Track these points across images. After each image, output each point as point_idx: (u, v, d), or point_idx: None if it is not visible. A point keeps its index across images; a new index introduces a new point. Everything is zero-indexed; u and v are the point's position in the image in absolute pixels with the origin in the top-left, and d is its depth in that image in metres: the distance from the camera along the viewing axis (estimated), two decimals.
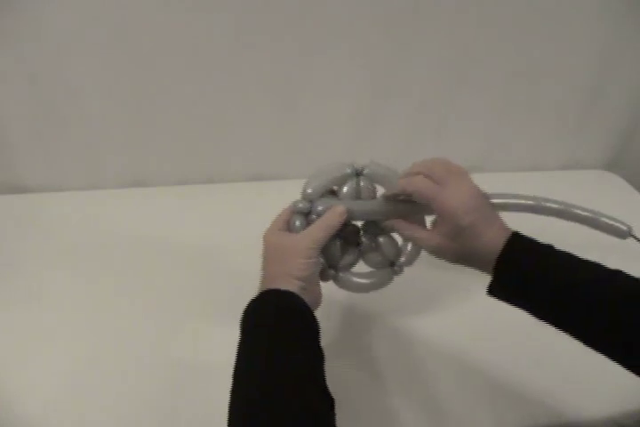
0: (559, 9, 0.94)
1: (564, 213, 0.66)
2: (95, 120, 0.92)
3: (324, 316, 0.57)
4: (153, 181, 1.01)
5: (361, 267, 0.65)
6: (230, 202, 0.98)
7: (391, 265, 0.64)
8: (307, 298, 0.54)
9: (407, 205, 0.59)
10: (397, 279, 0.65)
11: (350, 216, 0.59)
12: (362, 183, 0.61)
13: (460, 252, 0.54)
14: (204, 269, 0.83)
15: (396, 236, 0.64)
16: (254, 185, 1.04)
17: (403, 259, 0.64)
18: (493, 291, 0.54)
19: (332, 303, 0.68)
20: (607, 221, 0.69)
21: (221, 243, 0.88)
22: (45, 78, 0.85)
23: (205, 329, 0.73)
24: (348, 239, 0.63)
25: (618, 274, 0.50)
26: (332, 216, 0.57)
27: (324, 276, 0.62)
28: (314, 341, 0.51)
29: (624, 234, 0.70)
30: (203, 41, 0.86)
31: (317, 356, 0.50)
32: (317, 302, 0.57)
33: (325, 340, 0.53)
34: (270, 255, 0.58)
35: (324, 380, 0.47)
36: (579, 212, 0.68)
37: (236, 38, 0.87)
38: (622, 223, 0.70)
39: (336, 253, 0.61)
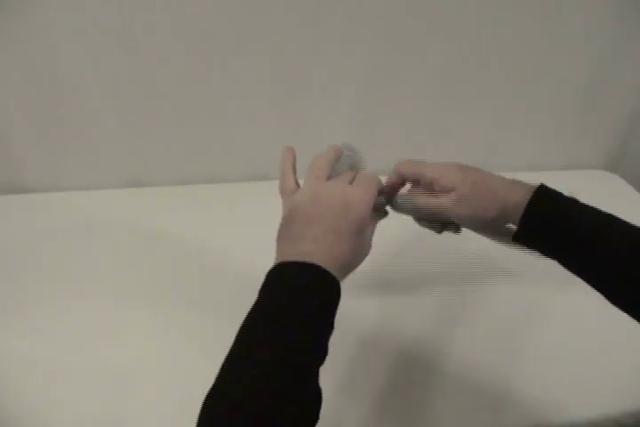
0: (559, 9, 0.94)
1: None
2: (95, 120, 0.92)
3: None
4: (153, 181, 1.01)
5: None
6: (230, 202, 0.99)
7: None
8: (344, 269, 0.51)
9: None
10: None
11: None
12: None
13: (483, 208, 0.53)
14: (204, 269, 0.83)
15: None
16: (255, 185, 1.04)
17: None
18: (519, 237, 0.53)
19: None
20: None
21: (221, 243, 0.88)
22: (45, 78, 0.85)
23: (206, 330, 0.73)
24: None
25: None
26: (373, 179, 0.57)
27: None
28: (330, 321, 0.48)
29: None
30: (203, 41, 0.86)
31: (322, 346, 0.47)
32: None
33: None
34: (348, 225, 0.51)
35: (316, 372, 0.45)
36: None
37: (237, 38, 0.87)
38: None
39: None
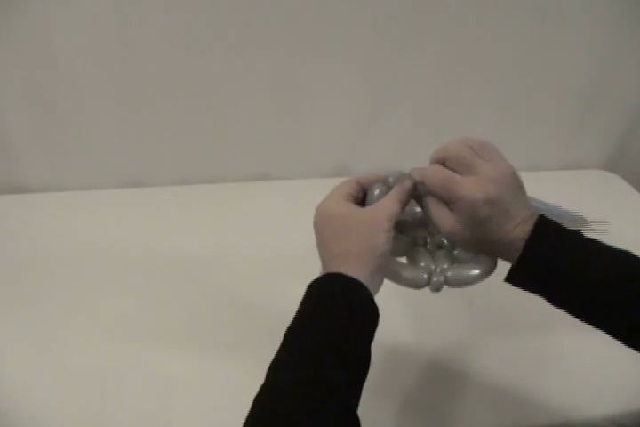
0: (559, 9, 0.94)
1: None
2: (95, 120, 0.92)
3: None
4: (153, 181, 1.01)
5: None
6: (230, 202, 0.99)
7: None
8: (373, 284, 0.50)
9: None
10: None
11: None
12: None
13: (474, 241, 0.50)
14: (205, 270, 0.83)
15: None
16: (255, 185, 1.05)
17: None
18: (513, 279, 0.50)
19: None
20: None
21: (222, 243, 0.88)
22: (45, 78, 0.85)
23: (204, 328, 0.73)
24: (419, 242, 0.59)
25: None
26: (400, 188, 0.54)
27: (434, 286, 0.56)
28: (367, 348, 0.47)
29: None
30: (203, 41, 0.86)
31: (363, 366, 0.46)
32: (378, 289, 0.52)
33: None
34: (337, 230, 0.51)
35: (357, 399, 0.44)
36: None
37: (238, 38, 0.87)
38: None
39: (429, 257, 0.58)
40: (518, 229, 0.49)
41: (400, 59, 0.95)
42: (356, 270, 0.49)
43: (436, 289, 0.56)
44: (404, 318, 0.77)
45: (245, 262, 0.84)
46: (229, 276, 0.82)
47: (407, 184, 0.54)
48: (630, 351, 0.62)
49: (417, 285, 0.55)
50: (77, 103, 0.89)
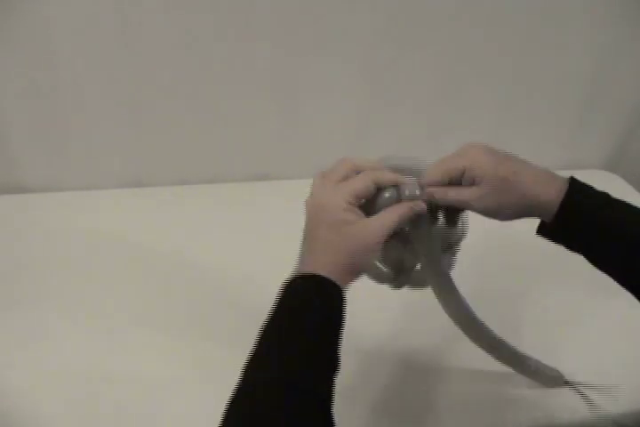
0: (559, 9, 0.94)
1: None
2: (95, 120, 0.92)
3: None
4: (153, 181, 1.01)
5: None
6: (230, 202, 0.99)
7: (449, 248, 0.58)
8: (347, 285, 0.49)
9: None
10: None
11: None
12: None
13: (508, 209, 0.51)
14: (204, 270, 0.83)
15: None
16: (254, 185, 1.05)
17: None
18: (547, 232, 0.51)
19: None
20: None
21: (221, 243, 0.88)
22: (45, 78, 0.85)
23: (204, 329, 0.73)
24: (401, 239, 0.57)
25: None
26: (409, 209, 0.51)
27: (398, 282, 0.56)
28: (338, 349, 0.47)
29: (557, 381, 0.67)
30: (203, 41, 0.86)
31: (336, 367, 0.46)
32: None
33: None
34: (330, 237, 0.49)
35: (331, 398, 0.44)
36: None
37: (237, 38, 0.87)
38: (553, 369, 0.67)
39: (405, 255, 0.56)
40: (550, 190, 0.51)
41: (400, 59, 0.95)
42: (336, 277, 0.48)
43: (397, 287, 0.55)
44: (395, 317, 0.77)
45: (245, 262, 0.84)
46: (229, 276, 0.82)
47: (419, 206, 0.51)
48: (630, 351, 0.62)
49: (380, 279, 0.55)
50: (77, 103, 0.89)
